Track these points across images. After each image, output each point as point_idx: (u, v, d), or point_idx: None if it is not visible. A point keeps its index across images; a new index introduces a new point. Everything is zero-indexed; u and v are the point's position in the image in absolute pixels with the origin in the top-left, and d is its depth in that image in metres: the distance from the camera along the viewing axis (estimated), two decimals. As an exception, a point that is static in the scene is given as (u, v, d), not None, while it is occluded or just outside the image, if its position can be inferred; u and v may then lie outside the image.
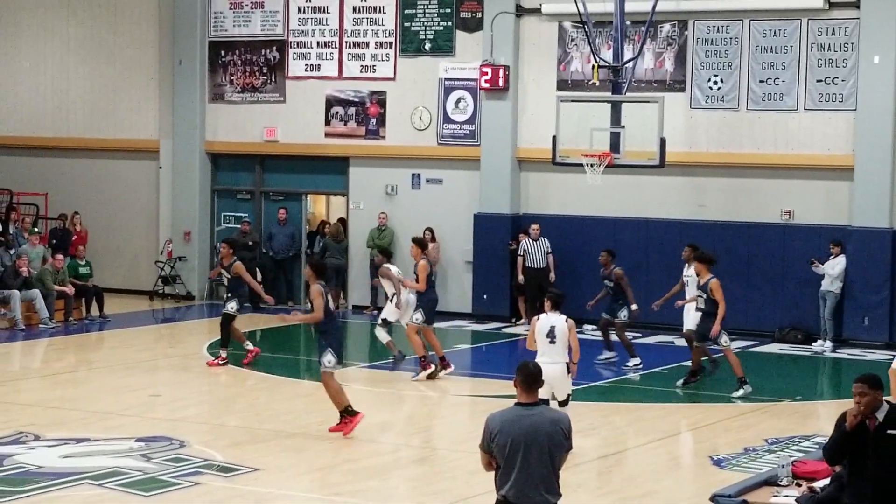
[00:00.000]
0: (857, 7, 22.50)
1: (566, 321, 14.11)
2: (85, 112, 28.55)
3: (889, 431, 8.42)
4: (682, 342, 22.17)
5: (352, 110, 26.35)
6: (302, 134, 26.71)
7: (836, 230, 22.67)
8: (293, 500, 12.52)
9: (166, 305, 27.03)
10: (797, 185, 23.25)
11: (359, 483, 13.10)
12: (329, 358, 15.12)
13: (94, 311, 24.94)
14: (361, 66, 26.20)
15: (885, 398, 8.66)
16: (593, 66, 22.69)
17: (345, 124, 26.41)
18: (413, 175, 25.87)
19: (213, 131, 27.55)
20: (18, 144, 28.94)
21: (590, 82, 23.36)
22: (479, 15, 25.13)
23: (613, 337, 20.14)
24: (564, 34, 24.57)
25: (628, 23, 22.83)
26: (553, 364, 13.79)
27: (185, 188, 27.56)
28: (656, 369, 19.55)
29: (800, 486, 10.27)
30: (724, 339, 17.91)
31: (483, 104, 25.07)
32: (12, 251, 24.50)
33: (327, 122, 26.56)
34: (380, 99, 26.09)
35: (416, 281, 18.84)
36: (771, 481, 10.50)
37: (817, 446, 13.51)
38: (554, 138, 22.21)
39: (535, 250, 24.08)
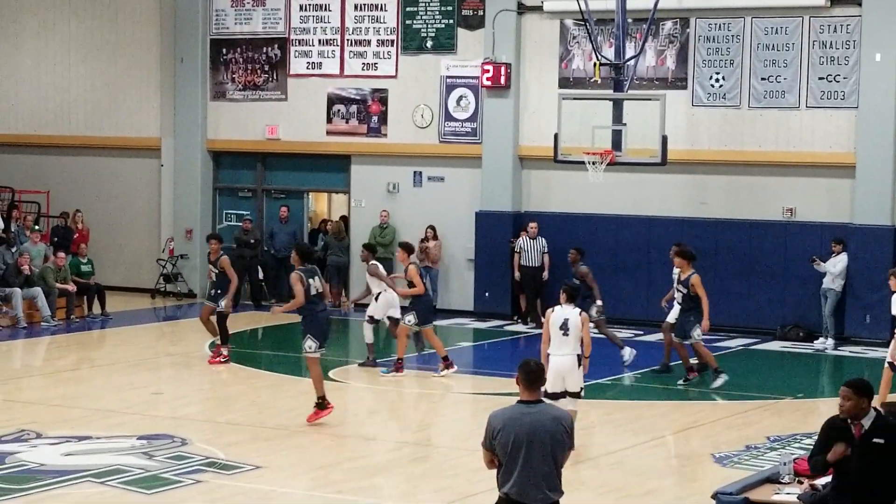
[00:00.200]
0: (859, 4, 22.49)
1: (580, 314, 14.22)
2: (86, 110, 28.56)
3: (874, 440, 8.36)
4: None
5: (353, 108, 26.35)
6: (303, 132, 26.71)
7: (837, 228, 22.66)
8: (295, 498, 12.53)
9: (168, 303, 27.04)
10: (799, 183, 23.25)
11: (361, 481, 13.11)
12: (309, 343, 15.28)
13: (96, 308, 24.96)
14: (363, 63, 26.20)
15: (874, 405, 8.64)
16: (595, 64, 22.67)
17: (346, 122, 26.41)
18: (415, 173, 25.87)
19: (214, 129, 27.55)
20: (20, 142, 28.95)
21: (591, 80, 23.35)
22: (480, 12, 25.12)
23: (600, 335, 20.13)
24: (566, 32, 24.57)
25: (630, 20, 22.82)
26: (565, 356, 13.99)
27: (186, 186, 27.56)
28: (657, 367, 19.52)
29: (801, 483, 10.26)
30: (697, 332, 18.05)
31: (485, 102, 25.06)
32: (14, 249, 24.50)
33: (329, 120, 26.56)
34: (381, 97, 26.09)
35: (411, 285, 18.78)
36: (773, 479, 10.49)
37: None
38: (556, 136, 22.21)
39: (531, 248, 24.09)
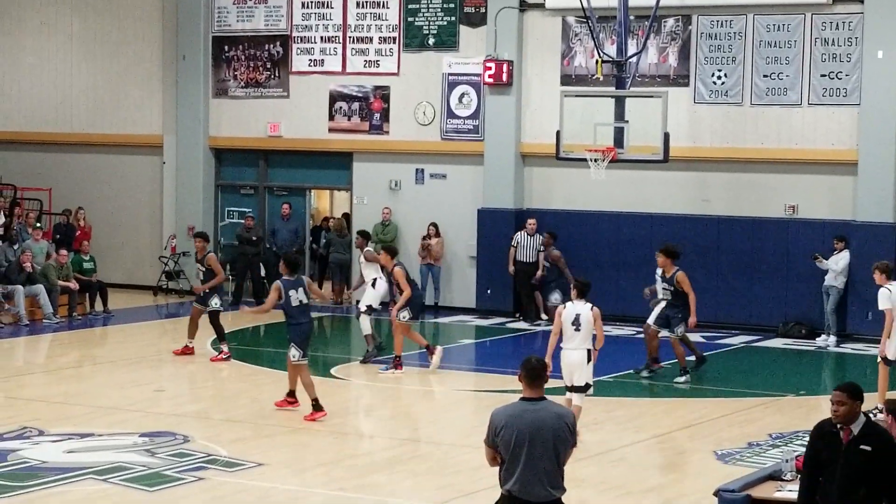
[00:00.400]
0: (861, 2, 22.48)
1: (591, 309, 14.35)
2: (88, 107, 28.57)
3: (862, 447, 8.28)
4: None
5: (355, 105, 26.35)
6: (305, 129, 26.71)
7: (839, 225, 22.66)
8: (297, 495, 12.53)
9: (170, 300, 27.04)
10: (801, 180, 23.24)
11: (363, 478, 13.11)
12: (293, 352, 15.63)
13: (98, 306, 24.97)
14: (365, 61, 26.20)
15: (877, 405, 8.63)
16: (597, 61, 22.68)
17: (348, 119, 26.41)
18: (417, 170, 25.87)
19: (216, 126, 27.55)
20: (22, 140, 28.96)
21: (593, 77, 23.35)
22: (482, 10, 25.12)
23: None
24: (568, 29, 24.56)
25: (632, 17, 22.82)
26: (575, 350, 14.20)
27: (188, 183, 27.57)
28: (659, 364, 19.51)
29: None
30: (681, 329, 18.29)
31: (487, 99, 25.06)
32: (16, 246, 24.51)
33: (331, 117, 26.56)
34: (383, 94, 26.08)
35: (399, 289, 18.84)
36: (775, 476, 10.48)
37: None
38: (558, 133, 22.21)
39: (527, 244, 24.10)
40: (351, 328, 23.47)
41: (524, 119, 24.92)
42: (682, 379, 18.33)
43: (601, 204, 24.30)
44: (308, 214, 27.69)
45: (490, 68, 24.66)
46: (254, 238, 26.21)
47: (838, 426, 8.39)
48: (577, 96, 22.55)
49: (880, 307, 16.38)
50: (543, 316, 24.15)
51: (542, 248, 24.01)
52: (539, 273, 23.91)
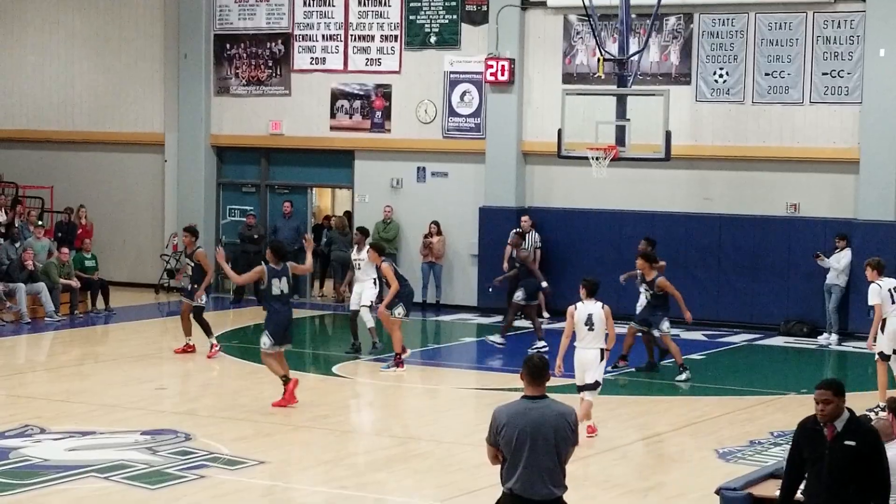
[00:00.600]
0: (863, 0, 22.47)
1: (603, 307, 14.51)
2: (90, 105, 28.57)
3: (846, 443, 8.22)
4: (687, 335, 22.23)
5: (357, 103, 26.35)
6: (307, 127, 26.71)
7: (841, 223, 22.65)
8: (299, 493, 12.54)
9: (171, 298, 27.02)
10: (803, 179, 23.24)
11: (364, 476, 13.11)
12: (264, 339, 15.96)
13: (100, 304, 24.97)
14: (367, 59, 26.20)
15: (881, 407, 8.62)
16: (599, 60, 22.67)
17: (350, 117, 26.41)
18: (418, 168, 25.87)
19: (218, 125, 27.56)
20: (24, 138, 28.96)
21: (595, 75, 23.34)
22: (484, 8, 25.11)
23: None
24: (570, 27, 24.56)
25: (633, 16, 22.81)
26: (589, 350, 14.40)
27: (190, 181, 27.57)
28: (662, 362, 19.51)
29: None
30: (666, 325, 18.44)
31: (488, 97, 25.06)
32: (18, 244, 24.51)
33: (332, 116, 26.56)
34: (385, 92, 26.08)
35: (388, 285, 18.87)
36: (776, 474, 10.47)
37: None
38: (559, 131, 22.21)
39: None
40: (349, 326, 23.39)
41: (526, 117, 24.92)
42: (683, 377, 18.36)
43: (602, 202, 24.30)
44: (310, 213, 27.69)
45: (491, 66, 24.66)
46: (255, 236, 26.22)
47: (822, 424, 8.33)
48: (578, 94, 22.54)
49: (870, 302, 16.51)
50: (546, 314, 24.18)
51: (538, 244, 24.08)
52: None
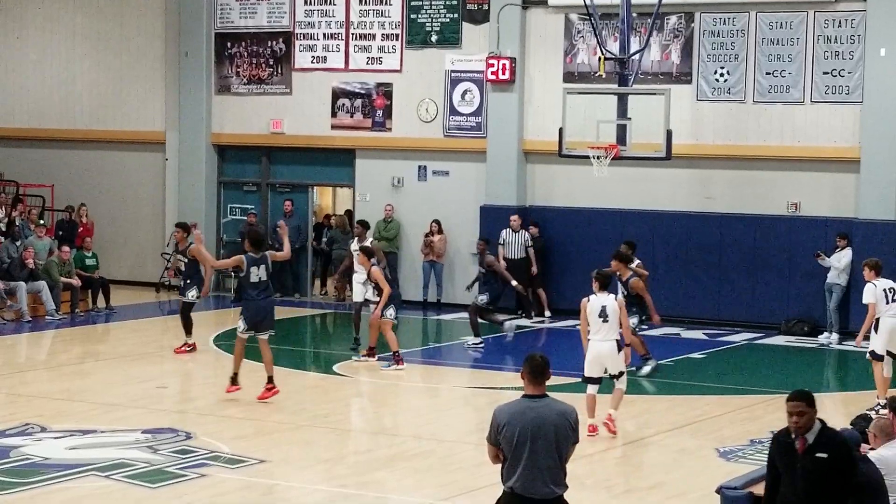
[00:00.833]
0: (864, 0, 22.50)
1: (616, 299, 14.92)
2: (91, 104, 28.57)
3: (818, 455, 8.08)
4: (687, 334, 22.26)
5: (358, 102, 26.34)
6: (308, 126, 26.71)
7: (842, 223, 22.65)
8: (299, 492, 12.54)
9: (172, 297, 27.01)
10: (803, 178, 23.24)
11: (365, 475, 13.11)
12: (240, 324, 16.40)
13: (101, 302, 24.98)
14: (368, 58, 26.19)
15: (881, 405, 8.56)
16: (600, 59, 22.67)
17: (351, 116, 26.41)
18: (419, 167, 25.87)
19: (219, 123, 27.56)
20: (25, 136, 28.97)
21: (596, 74, 23.34)
22: (485, 7, 25.11)
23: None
24: (571, 26, 24.55)
25: (634, 15, 22.81)
26: (604, 341, 14.73)
27: (191, 180, 27.57)
28: (662, 361, 19.53)
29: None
30: (634, 320, 18.50)
31: (489, 96, 25.06)
32: (18, 243, 24.52)
33: (333, 114, 26.56)
34: (386, 91, 26.08)
35: (378, 288, 18.89)
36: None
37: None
38: (560, 130, 22.21)
39: (513, 241, 24.16)
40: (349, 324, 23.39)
41: (527, 116, 24.91)
42: (647, 368, 18.53)
43: (603, 201, 24.29)
44: (311, 211, 27.69)
45: (493, 65, 24.65)
46: (256, 235, 26.18)
47: (793, 436, 8.18)
48: (579, 93, 22.54)
49: (864, 301, 16.69)
50: (547, 313, 24.24)
51: (528, 243, 24.16)
52: (533, 269, 24.03)
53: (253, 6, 27.05)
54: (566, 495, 8.30)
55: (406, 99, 25.90)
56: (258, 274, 16.25)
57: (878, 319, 16.48)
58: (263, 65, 27.07)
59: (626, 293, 18.61)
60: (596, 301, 14.79)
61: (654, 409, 16.82)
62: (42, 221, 26.11)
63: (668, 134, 21.42)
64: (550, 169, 24.70)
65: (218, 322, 22.27)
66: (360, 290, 20.00)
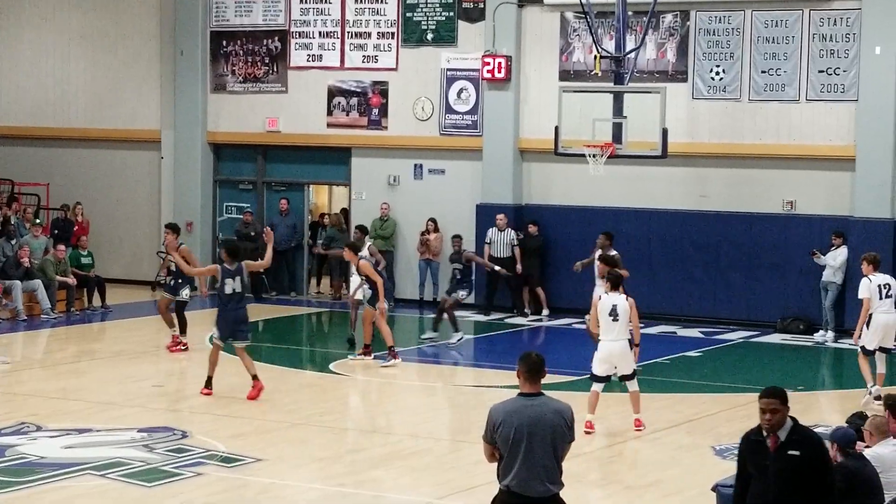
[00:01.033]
0: (860, -2, 22.50)
1: (627, 299, 14.95)
2: (86, 102, 28.54)
3: (790, 452, 7.93)
4: (684, 332, 22.27)
5: (354, 100, 26.33)
6: (304, 124, 26.69)
7: (837, 221, 22.66)
8: (295, 491, 12.53)
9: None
10: (799, 176, 23.25)
11: (361, 473, 13.12)
12: (214, 331, 16.86)
13: (96, 301, 24.96)
14: (363, 56, 26.18)
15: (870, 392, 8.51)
16: (595, 57, 22.65)
17: (347, 115, 26.40)
18: (415, 165, 25.87)
19: (214, 122, 27.53)
20: (20, 134, 28.93)
21: (592, 72, 23.32)
22: (481, 5, 25.10)
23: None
24: (566, 24, 24.55)
25: (630, 13, 22.80)
26: (616, 341, 14.87)
27: (186, 179, 27.55)
28: (658, 359, 19.55)
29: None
30: None
31: (485, 94, 25.05)
32: (14, 242, 24.49)
33: (329, 113, 26.54)
34: (382, 89, 26.07)
35: (370, 281, 18.93)
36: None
37: (819, 437, 13.51)
38: (556, 129, 22.20)
39: (499, 240, 24.19)
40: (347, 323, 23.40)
41: (522, 114, 24.91)
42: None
43: (599, 199, 24.30)
44: (307, 210, 27.67)
45: (488, 64, 24.65)
46: (252, 233, 26.18)
47: (766, 434, 8.05)
48: (575, 92, 22.52)
49: (859, 296, 16.75)
50: (545, 311, 24.24)
51: (515, 242, 24.24)
52: (518, 267, 24.05)
53: (248, 4, 27.03)
54: (562, 493, 8.30)
55: (402, 97, 25.89)
56: (232, 286, 16.51)
57: (871, 315, 16.53)
58: (259, 63, 27.05)
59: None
60: (607, 300, 14.96)
61: (651, 407, 16.81)
62: (38, 220, 26.08)
63: (664, 132, 21.41)
64: (546, 167, 24.70)
65: (213, 321, 22.23)
66: (356, 283, 20.00)
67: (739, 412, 16.35)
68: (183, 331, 20.03)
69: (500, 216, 24.25)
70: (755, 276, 23.39)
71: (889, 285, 16.79)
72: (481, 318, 24.29)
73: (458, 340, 20.90)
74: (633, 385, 15.15)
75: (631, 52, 22.40)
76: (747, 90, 23.36)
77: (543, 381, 8.32)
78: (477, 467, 12.40)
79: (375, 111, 26.14)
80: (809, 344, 22.05)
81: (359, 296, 19.86)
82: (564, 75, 24.45)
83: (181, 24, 27.41)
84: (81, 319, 23.98)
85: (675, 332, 22.71)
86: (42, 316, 23.58)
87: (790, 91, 23.07)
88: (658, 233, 23.92)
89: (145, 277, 27.74)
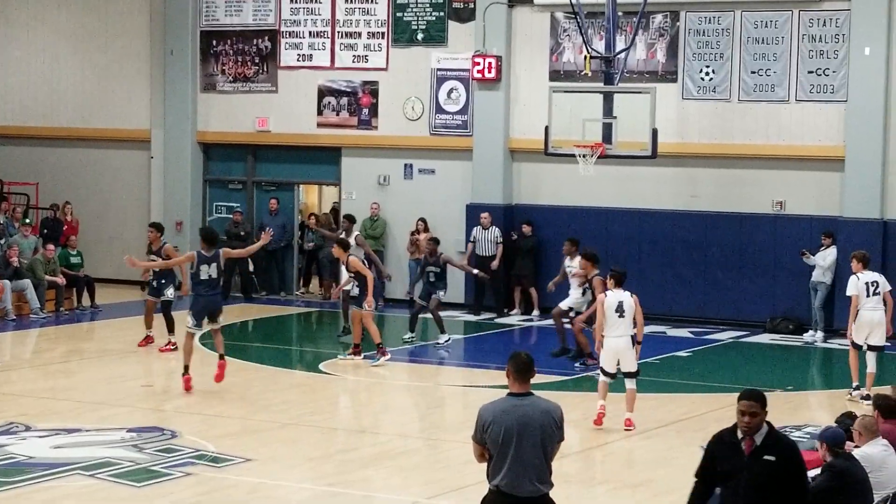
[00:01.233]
0: (849, -2, 22.54)
1: (632, 296, 15.16)
2: (76, 101, 28.50)
3: (765, 457, 7.84)
4: (673, 332, 22.26)
5: (344, 100, 26.32)
6: (294, 124, 26.68)
7: (827, 221, 22.70)
8: (286, 491, 12.52)
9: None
10: (789, 176, 23.28)
11: (352, 473, 13.11)
12: (188, 319, 16.97)
13: (86, 301, 24.93)
14: (354, 56, 26.17)
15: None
16: (585, 57, 22.69)
17: (337, 114, 26.39)
18: (405, 165, 25.86)
19: (204, 121, 27.50)
20: (9, 134, 28.87)
21: (582, 73, 23.36)
22: (471, 5, 25.10)
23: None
24: (557, 25, 24.56)
25: (620, 13, 22.82)
26: (620, 337, 15.05)
27: (176, 178, 27.52)
28: (648, 359, 19.55)
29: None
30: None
31: (475, 94, 25.05)
32: (3, 241, 24.45)
33: (319, 112, 26.53)
34: (372, 89, 26.06)
35: (359, 276, 18.94)
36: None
37: (808, 436, 13.55)
38: (546, 129, 22.22)
39: (483, 238, 24.23)
40: (337, 323, 23.38)
41: (513, 114, 24.92)
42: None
43: (589, 200, 24.31)
44: (297, 210, 27.66)
45: (479, 64, 24.66)
46: (242, 233, 26.17)
47: (741, 437, 7.96)
48: (565, 92, 22.55)
49: (847, 293, 17.02)
50: (535, 311, 24.25)
51: (499, 240, 24.30)
52: (495, 263, 24.06)
53: (238, 4, 27.01)
54: (552, 493, 8.31)
55: (392, 97, 25.88)
56: (208, 272, 16.73)
57: (858, 311, 16.75)
58: (249, 63, 27.03)
59: (586, 288, 18.82)
60: (613, 297, 15.12)
61: (641, 407, 16.81)
62: (27, 220, 26.03)
63: (654, 132, 21.43)
64: (536, 167, 24.71)
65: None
66: (346, 276, 20.04)
67: (729, 412, 16.26)
68: (171, 330, 20.01)
69: (485, 214, 24.28)
70: (745, 276, 23.42)
71: (877, 283, 16.95)
72: (471, 318, 24.29)
73: (446, 342, 20.88)
74: (631, 383, 15.23)
75: (621, 52, 22.42)
76: (737, 91, 23.39)
77: (533, 380, 8.32)
78: (466, 467, 12.39)
79: (365, 111, 26.13)
80: (799, 344, 22.08)
81: (347, 287, 19.93)
82: (554, 75, 24.47)
83: (171, 23, 27.38)
84: (70, 319, 23.94)
85: (664, 332, 22.73)
86: (31, 316, 23.55)
87: (780, 91, 23.10)
88: (648, 233, 23.94)
89: (134, 277, 27.61)
